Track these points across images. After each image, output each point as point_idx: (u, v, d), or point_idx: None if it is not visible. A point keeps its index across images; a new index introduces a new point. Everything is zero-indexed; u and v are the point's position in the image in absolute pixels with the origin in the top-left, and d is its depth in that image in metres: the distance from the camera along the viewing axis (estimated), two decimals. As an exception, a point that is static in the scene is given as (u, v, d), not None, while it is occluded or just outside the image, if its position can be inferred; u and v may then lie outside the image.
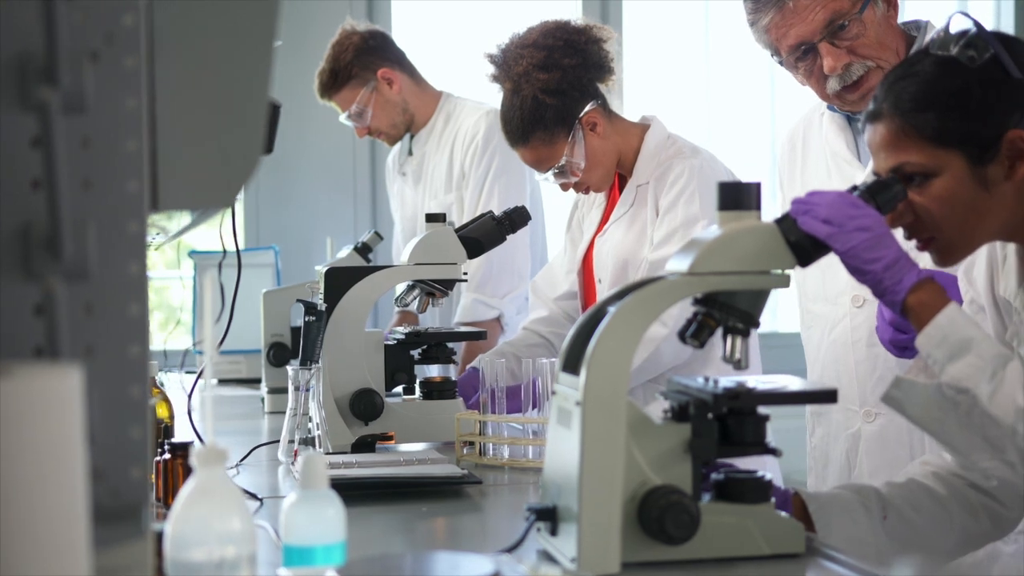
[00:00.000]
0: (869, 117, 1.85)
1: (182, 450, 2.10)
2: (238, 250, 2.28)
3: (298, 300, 2.81)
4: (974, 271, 1.98)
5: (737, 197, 1.72)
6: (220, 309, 3.91)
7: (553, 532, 1.71)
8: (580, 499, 1.62)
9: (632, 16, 5.58)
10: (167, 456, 2.09)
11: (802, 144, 2.70)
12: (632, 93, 5.54)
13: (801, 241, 1.71)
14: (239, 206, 5.23)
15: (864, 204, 1.73)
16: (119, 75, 1.10)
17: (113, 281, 1.10)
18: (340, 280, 2.68)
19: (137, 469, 1.11)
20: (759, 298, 1.73)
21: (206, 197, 1.19)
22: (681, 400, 1.72)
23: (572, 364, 1.72)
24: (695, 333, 1.72)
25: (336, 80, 3.83)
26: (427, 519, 2.06)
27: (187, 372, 4.45)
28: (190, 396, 2.15)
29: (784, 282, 1.72)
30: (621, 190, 3.03)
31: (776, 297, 6.52)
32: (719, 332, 1.74)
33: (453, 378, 2.84)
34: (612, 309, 1.67)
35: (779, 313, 5.86)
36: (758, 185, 1.73)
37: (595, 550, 1.62)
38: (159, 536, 1.41)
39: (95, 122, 1.10)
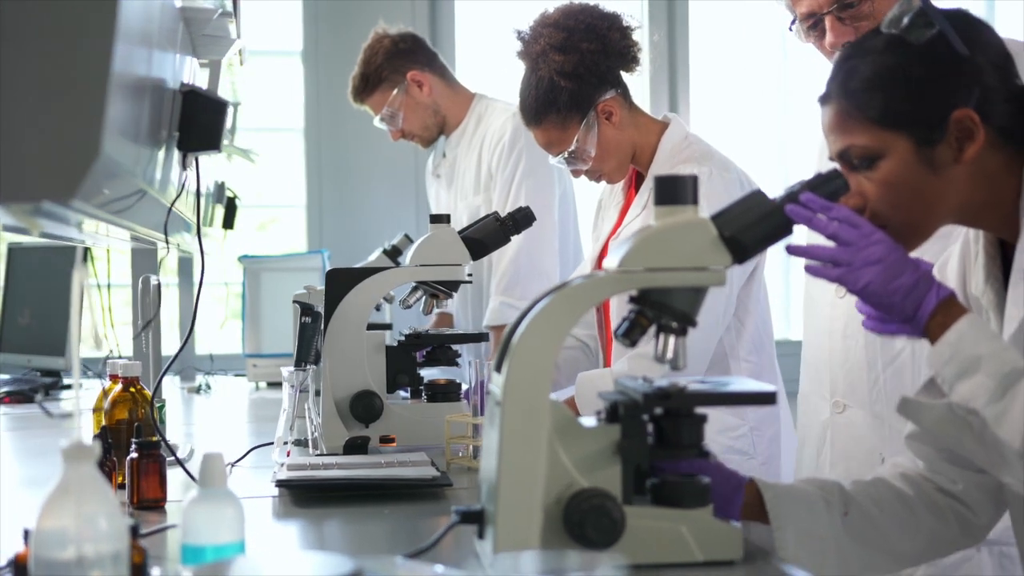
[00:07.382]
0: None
1: (150, 448, 2.10)
2: (202, 251, 2.26)
3: (295, 301, 2.78)
4: (947, 268, 1.89)
5: (672, 191, 1.66)
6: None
7: (480, 535, 1.66)
8: (496, 501, 1.58)
9: (699, 14, 5.48)
10: (135, 455, 2.10)
11: None
12: (698, 93, 5.46)
13: (736, 236, 1.63)
14: (300, 212, 5.26)
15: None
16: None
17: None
18: (341, 281, 2.65)
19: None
20: (695, 296, 1.66)
21: (45, 189, 1.17)
22: (614, 400, 1.66)
23: (501, 362, 1.67)
24: (626, 332, 1.66)
25: (367, 84, 3.85)
26: (385, 522, 2.03)
27: (235, 375, 4.50)
28: (153, 395, 2.14)
29: (719, 279, 1.63)
30: (638, 189, 2.95)
31: (791, 304, 6.22)
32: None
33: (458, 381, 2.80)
34: (538, 305, 1.63)
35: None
36: (694, 178, 1.66)
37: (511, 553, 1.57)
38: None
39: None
